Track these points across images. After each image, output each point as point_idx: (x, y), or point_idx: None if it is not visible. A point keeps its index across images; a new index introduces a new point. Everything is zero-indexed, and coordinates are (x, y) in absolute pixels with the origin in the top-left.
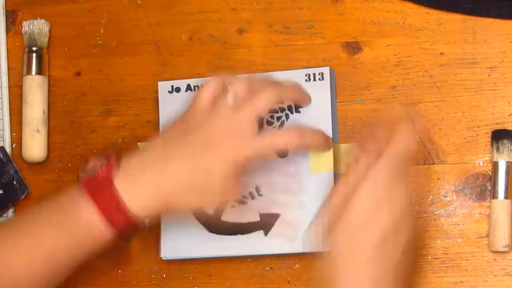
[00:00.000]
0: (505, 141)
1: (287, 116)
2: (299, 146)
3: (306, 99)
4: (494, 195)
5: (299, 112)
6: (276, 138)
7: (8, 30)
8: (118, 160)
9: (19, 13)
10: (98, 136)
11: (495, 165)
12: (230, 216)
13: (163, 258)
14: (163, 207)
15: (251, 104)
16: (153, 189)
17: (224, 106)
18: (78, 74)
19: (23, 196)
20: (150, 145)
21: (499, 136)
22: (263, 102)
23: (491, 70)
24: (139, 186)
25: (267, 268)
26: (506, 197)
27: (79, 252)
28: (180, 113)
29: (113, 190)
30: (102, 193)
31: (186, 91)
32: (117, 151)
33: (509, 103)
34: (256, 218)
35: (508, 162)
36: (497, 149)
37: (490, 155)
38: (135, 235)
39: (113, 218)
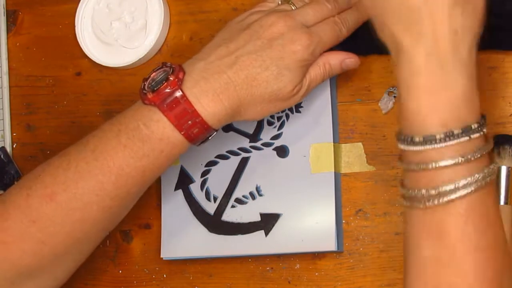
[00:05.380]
0: (506, 147)
1: (287, 116)
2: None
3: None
4: None
5: (299, 112)
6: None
7: (8, 30)
8: (181, 69)
9: (20, 13)
10: None
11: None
12: (230, 216)
13: (163, 258)
14: (234, 108)
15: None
16: (224, 90)
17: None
18: (78, 74)
19: None
20: (208, 48)
21: (500, 141)
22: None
23: (492, 70)
24: (209, 91)
25: (268, 268)
26: (506, 203)
27: (150, 170)
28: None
29: (186, 101)
30: (175, 106)
31: None
32: (176, 64)
33: (509, 103)
34: (256, 218)
35: (509, 167)
36: (498, 154)
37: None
38: (203, 142)
39: (188, 130)
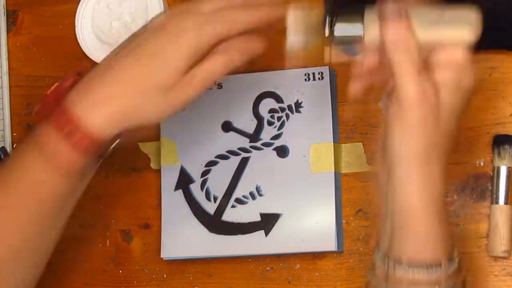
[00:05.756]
0: (507, 146)
1: (287, 116)
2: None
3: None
4: (494, 200)
5: (299, 112)
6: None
7: (8, 30)
8: (76, 75)
9: (20, 13)
10: None
11: (496, 170)
12: (230, 216)
13: (163, 258)
14: (127, 110)
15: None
16: (108, 98)
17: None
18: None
19: None
20: (102, 60)
21: (500, 141)
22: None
23: (492, 70)
24: (92, 98)
25: (268, 268)
26: (506, 203)
27: (58, 188)
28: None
29: (66, 112)
30: (55, 114)
31: None
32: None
33: (510, 103)
34: (256, 218)
35: (509, 167)
36: (498, 154)
37: (491, 155)
38: (104, 154)
39: (79, 144)
